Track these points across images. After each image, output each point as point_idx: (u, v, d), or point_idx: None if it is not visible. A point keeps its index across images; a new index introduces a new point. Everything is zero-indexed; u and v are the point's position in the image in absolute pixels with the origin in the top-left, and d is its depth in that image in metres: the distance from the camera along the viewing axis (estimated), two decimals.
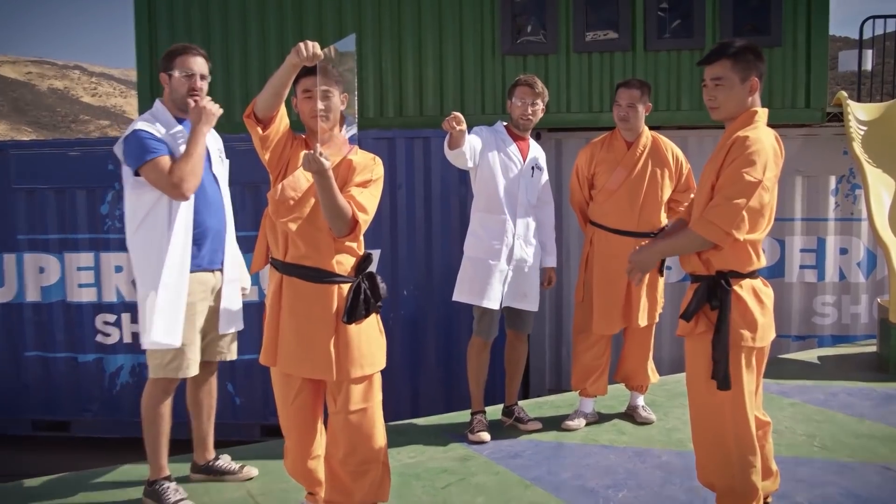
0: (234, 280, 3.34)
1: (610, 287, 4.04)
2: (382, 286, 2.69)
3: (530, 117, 3.90)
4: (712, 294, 2.54)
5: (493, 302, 3.89)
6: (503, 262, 3.88)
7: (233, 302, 3.32)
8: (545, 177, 4.08)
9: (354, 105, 2.61)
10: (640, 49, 6.18)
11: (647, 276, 3.92)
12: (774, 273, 6.34)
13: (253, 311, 4.44)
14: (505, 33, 6.17)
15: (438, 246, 5.82)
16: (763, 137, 2.45)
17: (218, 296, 3.29)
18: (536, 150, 4.07)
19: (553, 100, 6.02)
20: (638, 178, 4.00)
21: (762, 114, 2.58)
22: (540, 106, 3.94)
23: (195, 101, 3.10)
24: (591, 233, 4.13)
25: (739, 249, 2.53)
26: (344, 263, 2.67)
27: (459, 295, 3.96)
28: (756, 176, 2.41)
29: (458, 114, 3.42)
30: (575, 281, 5.40)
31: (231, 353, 3.41)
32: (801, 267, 6.40)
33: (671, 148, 4.11)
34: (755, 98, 2.59)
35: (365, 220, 2.64)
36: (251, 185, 5.69)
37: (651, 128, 4.12)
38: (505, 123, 4.00)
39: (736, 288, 2.54)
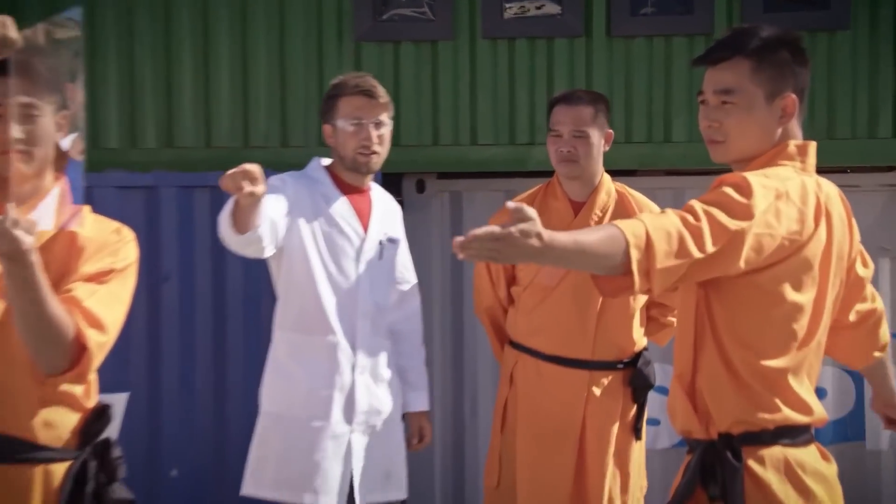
0: None
1: (547, 458, 3.35)
2: (121, 467, 2.25)
3: (375, 149, 3.20)
4: (709, 473, 2.02)
5: (325, 496, 3.17)
6: (338, 421, 3.17)
7: None
8: (403, 253, 3.44)
9: (82, 129, 2.17)
10: (599, 34, 4.90)
11: (614, 437, 3.33)
12: (845, 432, 4.89)
13: None
14: (361, 4, 4.89)
15: (238, 383, 4.50)
16: (792, 176, 1.96)
17: None
18: (384, 207, 3.38)
19: (445, 126, 4.87)
20: None
21: (803, 149, 2.06)
22: (388, 125, 3.25)
23: None
24: (511, 362, 3.45)
25: (755, 383, 1.99)
26: (57, 425, 2.16)
27: (256, 485, 3.21)
28: (746, 200, 1.90)
29: (251, 166, 2.60)
30: (484, 447, 4.15)
31: None
32: None
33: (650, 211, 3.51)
34: (791, 128, 2.07)
35: (100, 344, 2.14)
36: None
37: (615, 174, 3.56)
38: (327, 163, 3.33)
39: (752, 463, 1.99)
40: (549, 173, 3.50)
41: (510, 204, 1.76)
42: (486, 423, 4.31)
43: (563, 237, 1.83)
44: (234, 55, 4.79)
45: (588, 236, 1.88)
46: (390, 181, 4.17)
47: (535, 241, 1.74)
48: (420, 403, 3.47)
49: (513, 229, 1.71)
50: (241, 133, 4.89)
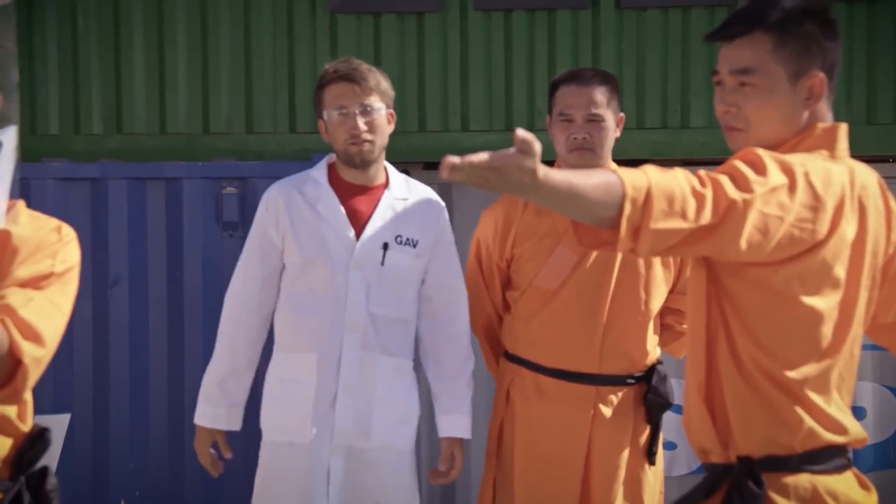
0: None
1: (548, 487, 3.32)
2: (55, 501, 2.21)
3: (366, 138, 3.09)
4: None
5: None
6: (315, 442, 3.09)
7: None
8: (437, 258, 3.31)
9: (15, 115, 2.09)
10: (607, 4, 4.82)
11: (624, 463, 3.25)
12: (888, 458, 4.67)
13: None
14: None
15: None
16: (815, 160, 1.92)
17: None
18: (401, 206, 3.27)
19: (432, 109, 4.81)
20: (600, 267, 3.28)
21: (832, 133, 2.00)
22: (378, 110, 3.12)
23: None
24: (508, 378, 3.32)
25: (777, 395, 1.95)
26: None
27: None
28: (757, 175, 1.84)
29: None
30: (476, 474, 4.01)
31: None
32: None
33: None
34: (819, 110, 1.99)
35: (37, 359, 2.06)
36: None
37: (624, 164, 2.89)
38: (331, 160, 3.24)
39: (773, 494, 1.93)
40: (548, 163, 3.29)
41: (520, 132, 1.70)
42: (478, 447, 3.94)
43: (557, 177, 1.79)
44: (193, 29, 4.65)
45: (584, 180, 1.84)
46: None
47: (527, 178, 1.74)
48: (453, 428, 3.33)
49: (513, 163, 1.70)
50: (199, 118, 4.74)
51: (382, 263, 3.27)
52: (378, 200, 3.31)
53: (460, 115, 4.70)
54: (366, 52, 4.45)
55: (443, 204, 3.36)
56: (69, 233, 2.20)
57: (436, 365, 3.36)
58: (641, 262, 3.45)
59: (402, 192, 3.36)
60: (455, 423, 3.32)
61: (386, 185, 3.31)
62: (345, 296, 3.18)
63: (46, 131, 4.67)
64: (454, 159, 1.70)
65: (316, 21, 4.72)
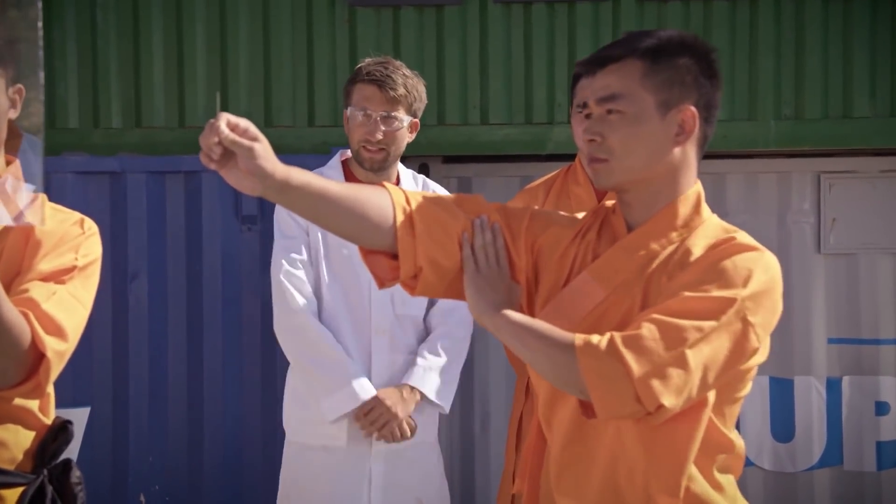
0: None
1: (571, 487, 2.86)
2: (80, 493, 2.22)
3: (381, 146, 3.08)
4: None
5: None
6: (353, 446, 3.13)
7: None
8: None
9: (41, 108, 2.03)
10: None
11: None
12: None
13: None
14: None
15: (216, 396, 4.34)
16: (777, 265, 1.86)
17: None
18: None
19: (451, 103, 4.72)
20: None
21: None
22: (401, 121, 3.10)
23: None
24: (527, 371, 2.94)
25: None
26: (9, 445, 2.14)
27: None
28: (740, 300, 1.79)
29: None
30: (496, 468, 4.12)
31: None
32: None
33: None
34: (688, 153, 1.87)
35: (60, 353, 2.08)
36: None
37: None
38: (347, 154, 3.24)
39: None
40: (569, 157, 3.31)
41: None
42: (498, 440, 4.27)
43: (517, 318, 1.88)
44: (212, 22, 4.59)
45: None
46: None
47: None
48: (414, 377, 3.16)
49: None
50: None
51: None
52: None
53: (479, 108, 4.62)
54: (384, 45, 4.43)
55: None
56: (92, 226, 2.22)
57: (433, 326, 3.32)
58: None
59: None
60: (422, 374, 3.26)
61: (397, 184, 3.31)
62: (368, 299, 3.18)
63: (66, 125, 4.63)
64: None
65: (335, 14, 4.64)
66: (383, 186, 1.94)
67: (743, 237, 1.82)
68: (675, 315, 1.70)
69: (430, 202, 1.96)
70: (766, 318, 1.75)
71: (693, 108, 1.84)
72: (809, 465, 4.14)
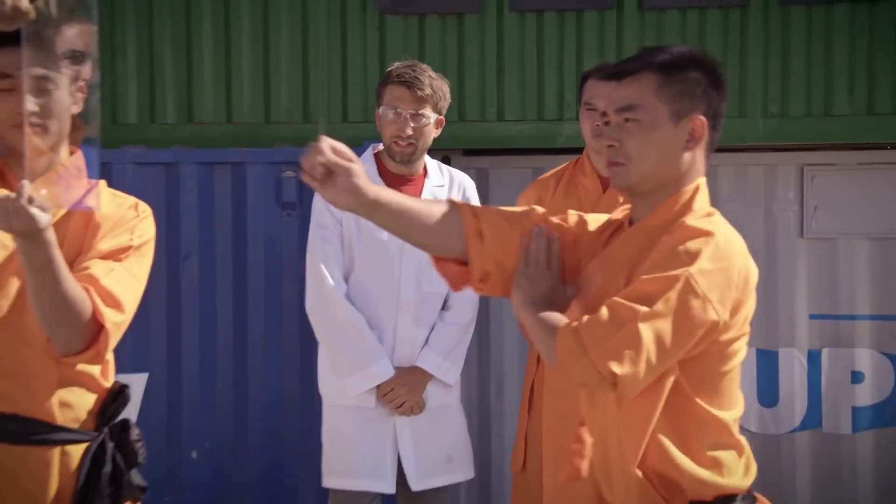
0: None
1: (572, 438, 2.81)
2: (141, 449, 2.21)
3: (410, 141, 3.17)
4: None
5: (371, 480, 3.23)
6: (379, 405, 3.22)
7: None
8: None
9: (97, 103, 2.10)
10: (630, 6, 4.77)
11: None
12: (883, 417, 4.43)
13: None
14: None
15: (259, 365, 4.42)
16: (736, 245, 1.85)
17: None
18: (440, 193, 3.32)
19: (471, 101, 4.82)
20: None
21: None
22: (428, 118, 3.18)
23: None
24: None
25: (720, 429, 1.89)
26: (74, 406, 2.13)
27: (325, 477, 3.34)
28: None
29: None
30: (510, 431, 4.03)
31: None
32: None
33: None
34: (697, 157, 1.92)
35: (117, 324, 2.08)
36: None
37: None
38: (378, 148, 3.31)
39: None
40: (577, 150, 3.42)
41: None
42: (512, 406, 4.35)
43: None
44: (256, 28, 4.71)
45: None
46: None
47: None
48: (426, 361, 3.29)
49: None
50: (262, 108, 4.81)
51: None
52: (421, 189, 3.38)
53: (496, 106, 4.73)
54: (411, 49, 4.50)
55: (470, 180, 3.34)
56: (145, 209, 2.26)
57: (443, 310, 3.39)
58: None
59: (440, 180, 3.45)
60: (430, 357, 3.34)
61: (425, 174, 3.36)
62: (398, 278, 3.27)
63: (126, 120, 4.77)
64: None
65: (366, 21, 4.77)
66: (452, 202, 2.01)
67: (699, 222, 1.84)
68: (629, 296, 1.75)
69: (494, 213, 2.03)
70: (721, 293, 1.77)
71: (702, 117, 1.91)
72: (792, 428, 4.19)
